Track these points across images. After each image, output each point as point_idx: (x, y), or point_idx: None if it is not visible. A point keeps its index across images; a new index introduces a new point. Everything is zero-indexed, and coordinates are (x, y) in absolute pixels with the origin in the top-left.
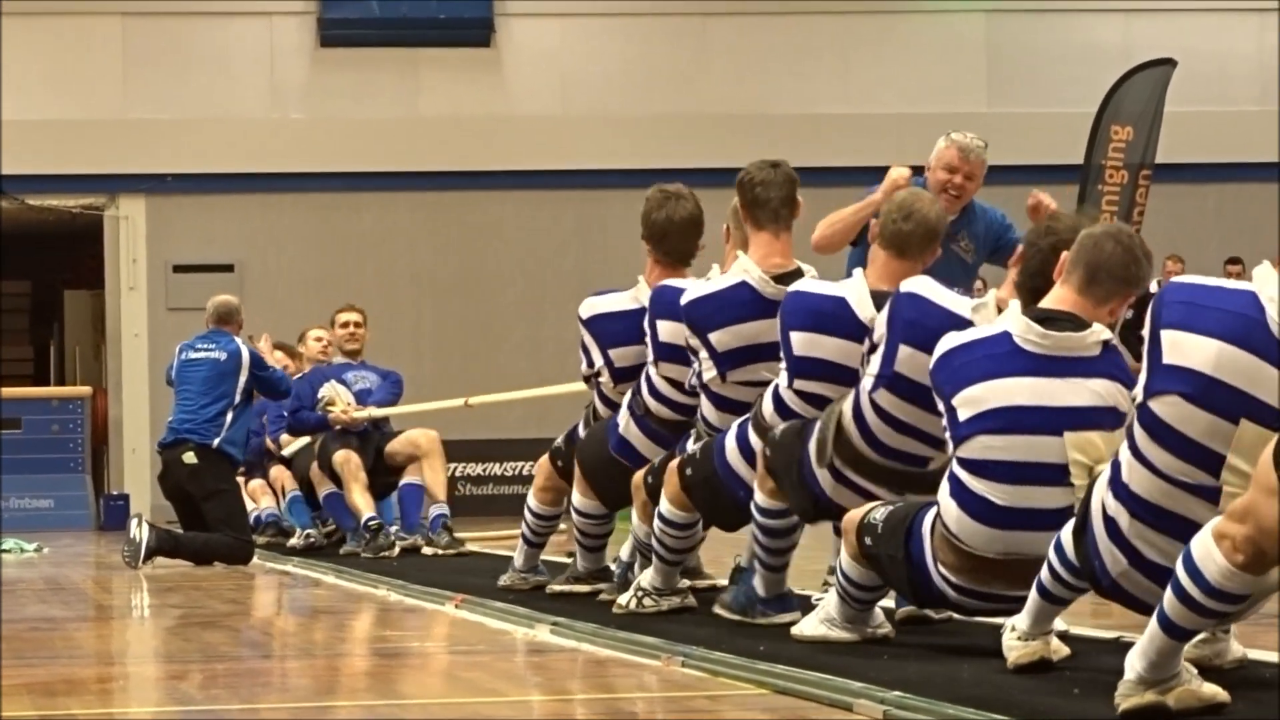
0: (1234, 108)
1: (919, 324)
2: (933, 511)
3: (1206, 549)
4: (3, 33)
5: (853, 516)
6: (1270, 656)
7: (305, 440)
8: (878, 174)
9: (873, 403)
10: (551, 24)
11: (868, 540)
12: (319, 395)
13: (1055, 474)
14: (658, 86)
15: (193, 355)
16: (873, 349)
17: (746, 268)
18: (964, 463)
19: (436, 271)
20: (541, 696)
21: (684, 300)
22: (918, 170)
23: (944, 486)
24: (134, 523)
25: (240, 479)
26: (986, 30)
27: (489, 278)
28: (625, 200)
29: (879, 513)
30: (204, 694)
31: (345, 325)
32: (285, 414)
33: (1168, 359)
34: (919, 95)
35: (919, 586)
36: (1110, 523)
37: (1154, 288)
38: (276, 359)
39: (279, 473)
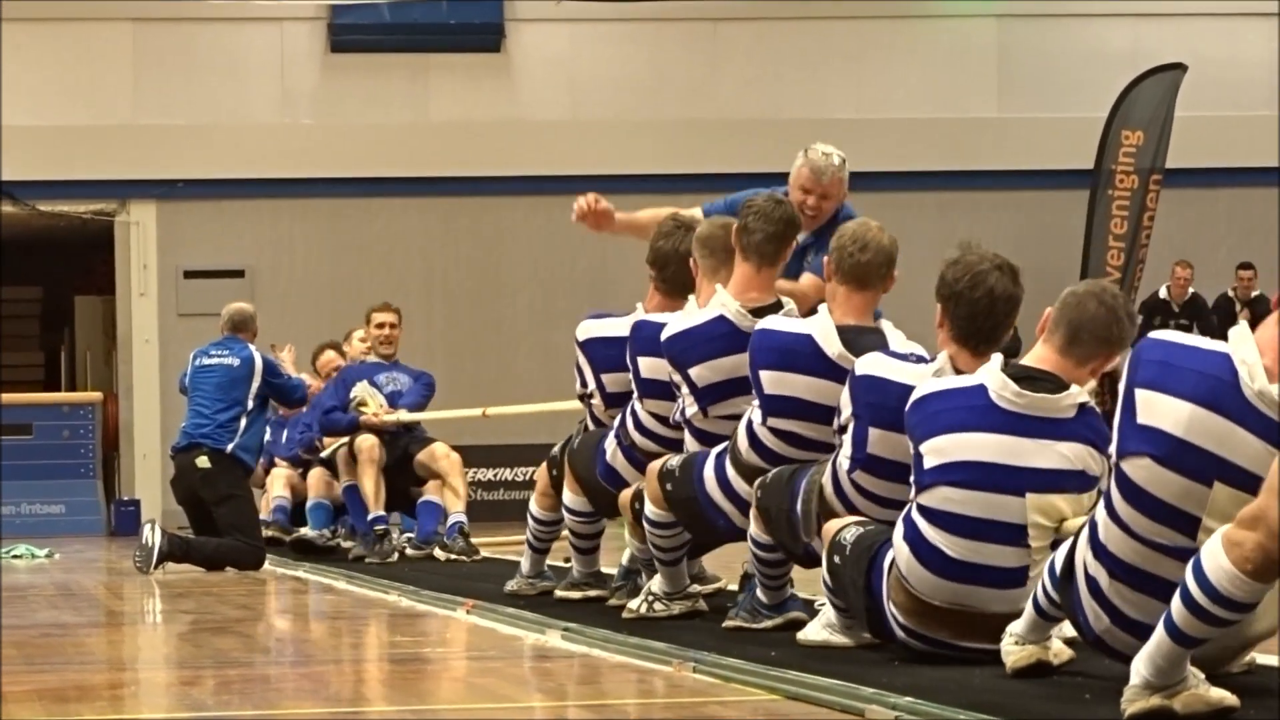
0: (1244, 112)
1: (882, 406)
2: (891, 551)
3: (1215, 557)
4: (14, 39)
5: (830, 528)
6: (1274, 661)
7: (344, 441)
8: (889, 179)
9: (853, 482)
10: (562, 29)
11: (836, 559)
12: (351, 395)
13: (1012, 534)
14: (669, 92)
15: (206, 361)
16: (842, 429)
17: (724, 301)
18: (922, 510)
19: (448, 277)
20: (552, 702)
21: (663, 336)
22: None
23: (899, 528)
24: (147, 528)
25: (288, 470)
26: (997, 36)
27: (500, 283)
28: (637, 206)
29: (850, 533)
30: (215, 700)
31: (381, 326)
32: (323, 415)
33: (1140, 419)
34: (930, 100)
35: (873, 618)
36: (1091, 581)
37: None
38: (328, 358)
39: (315, 476)
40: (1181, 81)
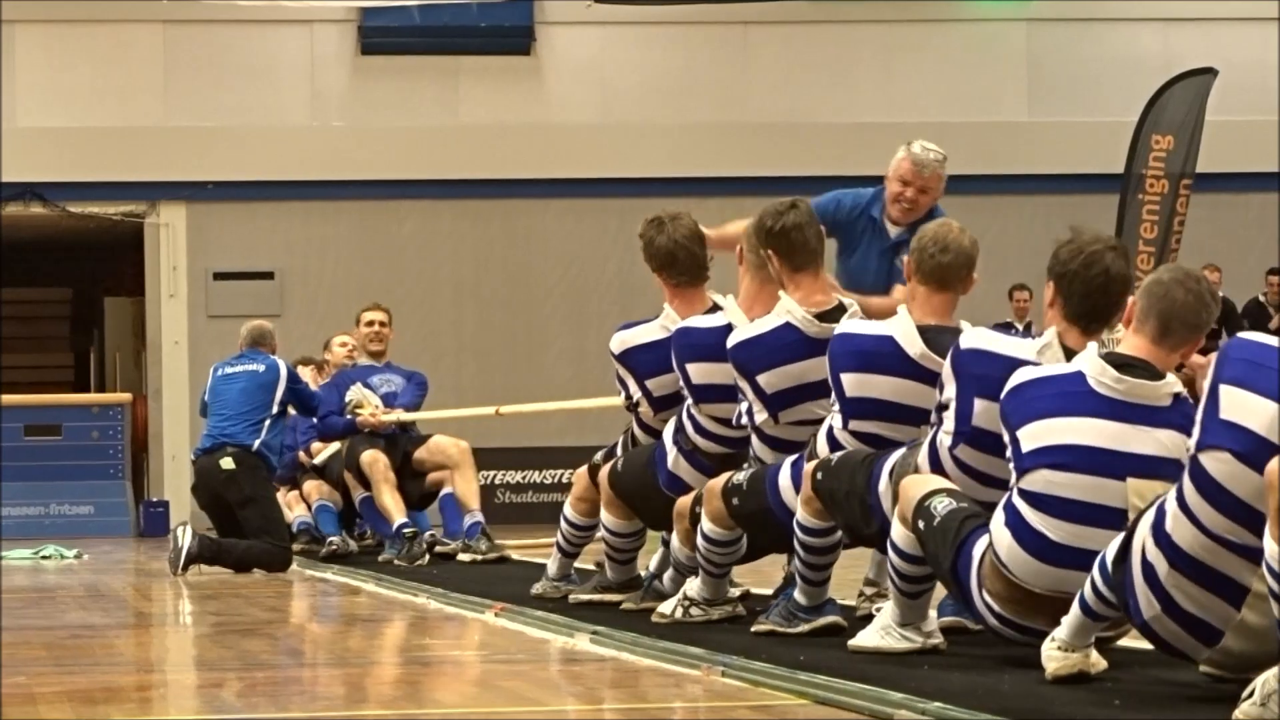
0: (1274, 117)
1: (989, 377)
2: (985, 537)
3: None
4: (46, 41)
5: (913, 486)
6: None
7: (335, 447)
8: None
9: (954, 458)
10: (592, 32)
11: (921, 524)
12: (346, 399)
13: (1113, 518)
14: (699, 95)
15: (229, 371)
16: (942, 406)
17: (789, 309)
18: (1024, 494)
19: (477, 279)
20: (581, 705)
21: (730, 344)
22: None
23: (999, 515)
24: (179, 529)
25: (291, 493)
26: (1027, 40)
27: (530, 286)
28: (666, 209)
29: (940, 504)
30: (243, 702)
31: (370, 324)
32: (314, 422)
33: (1224, 414)
34: (960, 104)
35: (963, 599)
36: (1148, 567)
37: None
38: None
39: (311, 486)
40: (1212, 86)
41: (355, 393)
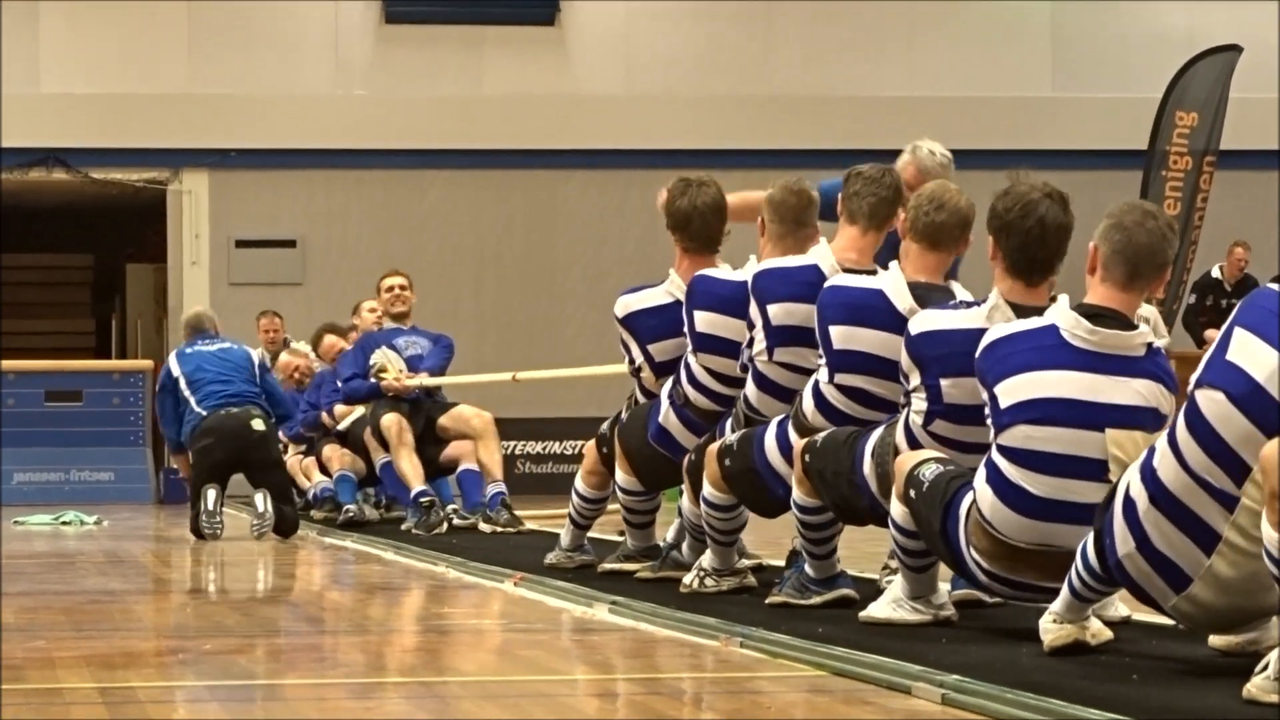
0: None
1: (947, 355)
2: (970, 495)
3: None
4: (71, 8)
5: (905, 461)
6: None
7: (359, 412)
8: None
9: (930, 434)
10: (617, 3)
11: (912, 493)
12: (370, 362)
13: (1094, 469)
14: (723, 68)
15: (202, 349)
16: (912, 390)
17: (822, 253)
18: (1003, 450)
19: (500, 250)
20: (599, 675)
21: (754, 271)
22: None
23: (980, 473)
24: (259, 497)
25: (300, 456)
26: (1052, 15)
27: (552, 257)
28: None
29: (928, 470)
30: (263, 668)
31: (390, 289)
32: (339, 385)
33: (1230, 356)
34: (984, 79)
35: (954, 562)
36: (1129, 503)
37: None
38: (330, 342)
39: (331, 450)
40: (1237, 63)
41: (380, 356)
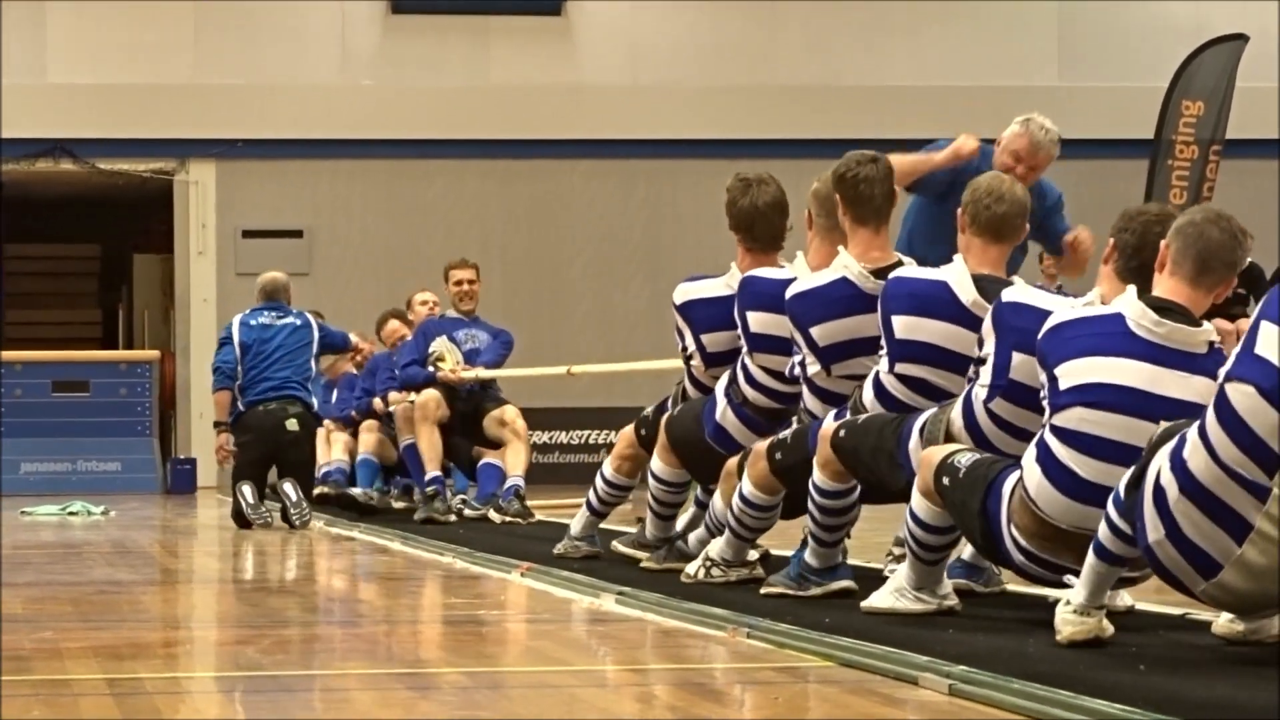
0: None
1: (1028, 330)
2: (1015, 474)
3: None
4: None
5: (933, 453)
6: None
7: (412, 398)
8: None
9: (989, 411)
10: None
11: (945, 480)
12: (430, 349)
13: None
14: (728, 58)
15: (264, 321)
16: (981, 361)
17: (846, 264)
18: (1056, 431)
19: (505, 240)
20: (605, 665)
21: (787, 295)
22: (988, 143)
23: (1031, 451)
24: (288, 485)
25: (346, 435)
26: (1058, 3)
27: (557, 247)
28: (694, 171)
29: (964, 457)
30: (270, 659)
31: (459, 283)
32: (397, 371)
33: (1258, 348)
34: (990, 68)
35: (989, 542)
36: (1159, 491)
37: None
38: (393, 328)
39: (367, 434)
40: (1243, 52)
41: (440, 345)
